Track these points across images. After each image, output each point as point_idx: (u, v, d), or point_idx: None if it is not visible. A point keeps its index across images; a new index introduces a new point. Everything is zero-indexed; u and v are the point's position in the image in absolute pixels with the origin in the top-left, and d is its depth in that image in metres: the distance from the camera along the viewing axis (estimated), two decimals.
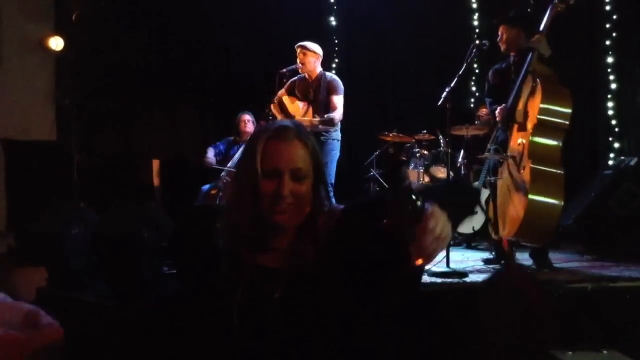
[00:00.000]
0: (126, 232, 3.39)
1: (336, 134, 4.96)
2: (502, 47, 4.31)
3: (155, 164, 6.68)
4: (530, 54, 3.95)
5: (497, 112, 4.14)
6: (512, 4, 4.71)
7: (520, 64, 4.13)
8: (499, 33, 4.28)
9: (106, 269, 3.63)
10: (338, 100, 4.89)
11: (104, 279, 3.66)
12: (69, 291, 3.79)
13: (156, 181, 6.62)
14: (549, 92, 3.81)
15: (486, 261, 4.25)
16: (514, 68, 4.23)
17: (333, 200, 4.84)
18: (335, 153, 4.95)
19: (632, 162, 4.86)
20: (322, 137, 4.84)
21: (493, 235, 4.05)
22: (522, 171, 3.83)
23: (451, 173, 5.84)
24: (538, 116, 3.78)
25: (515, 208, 3.80)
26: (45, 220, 4.07)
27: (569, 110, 3.83)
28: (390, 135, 6.31)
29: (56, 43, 6.64)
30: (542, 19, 4.03)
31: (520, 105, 3.99)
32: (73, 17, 6.53)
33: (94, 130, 7.06)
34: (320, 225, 1.48)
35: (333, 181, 4.91)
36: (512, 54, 4.31)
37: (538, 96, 3.81)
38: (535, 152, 3.78)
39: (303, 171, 1.46)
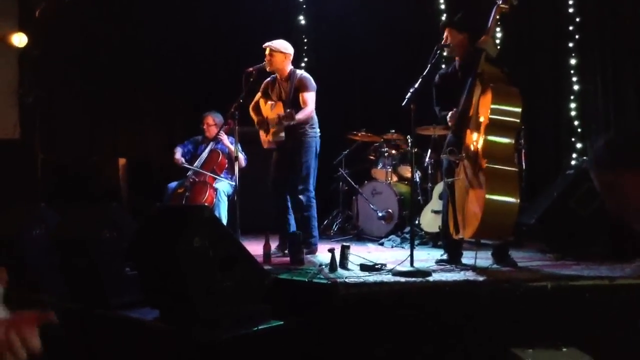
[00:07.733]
0: (86, 234, 3.35)
1: (314, 131, 4.93)
2: (447, 51, 4.32)
3: (122, 162, 6.60)
4: (479, 56, 3.97)
5: (449, 117, 4.14)
6: (477, 5, 4.73)
7: (466, 68, 4.15)
8: (444, 36, 4.27)
9: (67, 271, 3.58)
10: (309, 96, 4.84)
11: (65, 281, 3.61)
12: (30, 293, 3.73)
13: (122, 180, 6.54)
14: (498, 92, 3.85)
15: (438, 262, 4.23)
16: (460, 73, 4.24)
17: (313, 198, 4.85)
18: (314, 149, 4.92)
19: None
20: (301, 137, 4.84)
21: (454, 236, 4.08)
22: (477, 171, 3.87)
23: (418, 172, 5.92)
24: (490, 116, 3.82)
25: (473, 208, 3.84)
26: (5, 221, 4.00)
27: (519, 109, 3.89)
28: (359, 134, 6.34)
29: (19, 39, 6.51)
30: (488, 20, 4.07)
31: (472, 107, 4.02)
32: (36, 13, 6.41)
33: (58, 129, 6.94)
34: None
35: (314, 178, 4.90)
36: (457, 58, 4.32)
37: (489, 96, 3.85)
38: (490, 152, 3.83)
39: None
